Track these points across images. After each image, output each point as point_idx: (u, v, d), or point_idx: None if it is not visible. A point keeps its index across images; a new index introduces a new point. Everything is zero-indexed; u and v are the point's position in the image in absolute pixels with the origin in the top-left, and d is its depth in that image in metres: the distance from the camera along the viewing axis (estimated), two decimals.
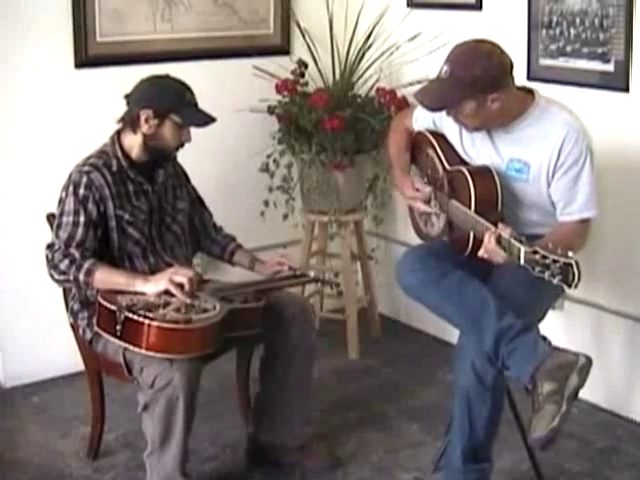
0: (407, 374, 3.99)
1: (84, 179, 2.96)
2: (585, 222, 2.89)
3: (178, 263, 3.11)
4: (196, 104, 3.05)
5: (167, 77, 3.06)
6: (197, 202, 3.32)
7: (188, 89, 3.03)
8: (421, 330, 4.39)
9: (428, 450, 3.34)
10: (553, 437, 2.61)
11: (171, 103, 2.98)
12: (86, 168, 2.99)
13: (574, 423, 3.37)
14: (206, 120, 3.05)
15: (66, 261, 2.91)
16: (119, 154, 3.03)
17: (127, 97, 3.04)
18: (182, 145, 3.07)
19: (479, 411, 2.84)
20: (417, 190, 3.12)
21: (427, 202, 3.10)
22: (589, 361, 2.65)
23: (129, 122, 3.02)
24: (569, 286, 2.45)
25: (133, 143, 3.03)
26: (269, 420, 3.23)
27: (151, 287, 2.88)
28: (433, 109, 2.97)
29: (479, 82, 2.75)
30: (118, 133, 3.07)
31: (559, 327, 3.50)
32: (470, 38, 2.87)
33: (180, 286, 2.85)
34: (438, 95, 2.84)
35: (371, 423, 3.59)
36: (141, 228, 3.05)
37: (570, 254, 2.45)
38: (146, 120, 2.98)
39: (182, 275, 2.88)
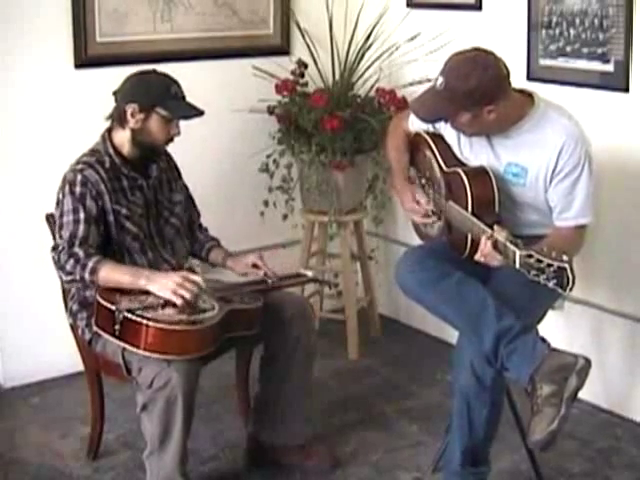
0: (407, 374, 3.99)
1: (79, 177, 2.96)
2: (581, 228, 2.89)
3: (177, 257, 3.11)
4: (183, 97, 3.04)
5: (153, 72, 3.06)
6: (187, 200, 3.31)
7: (175, 82, 3.03)
8: (421, 330, 4.39)
9: (428, 450, 3.34)
10: (552, 439, 2.61)
11: (156, 96, 2.98)
12: (79, 166, 2.99)
13: (574, 423, 3.36)
14: (193, 113, 3.04)
15: (71, 261, 2.91)
16: (111, 151, 3.03)
17: (115, 94, 3.05)
18: (171, 139, 3.06)
19: (478, 411, 2.84)
20: (417, 203, 3.11)
21: (425, 216, 3.10)
22: (588, 363, 2.65)
23: (117, 118, 3.03)
24: (564, 290, 2.45)
25: (123, 139, 3.03)
26: (269, 420, 3.23)
27: (155, 288, 2.86)
28: (428, 121, 2.98)
29: (474, 95, 2.73)
30: (109, 131, 3.07)
31: (559, 327, 3.50)
32: (467, 47, 2.84)
33: (183, 297, 2.84)
34: (433, 107, 2.84)
35: (371, 423, 3.59)
36: (139, 223, 3.05)
37: (565, 258, 2.44)
38: (132, 115, 2.98)
39: (188, 289, 2.85)
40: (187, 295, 2.84)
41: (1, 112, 3.68)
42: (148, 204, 3.09)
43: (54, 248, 2.96)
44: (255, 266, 3.20)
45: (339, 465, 3.30)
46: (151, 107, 2.97)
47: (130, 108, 2.97)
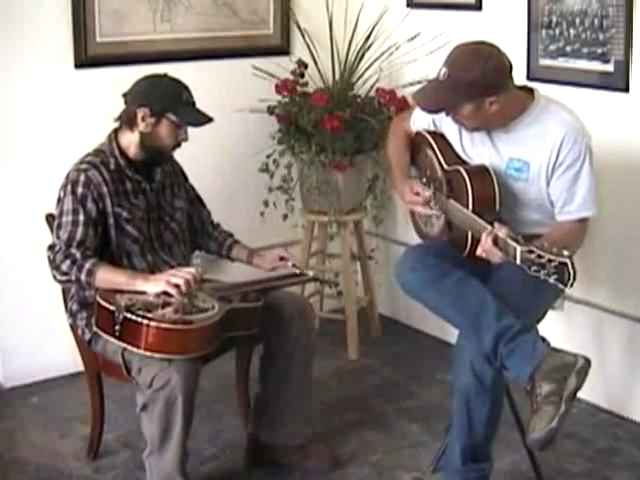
0: (407, 374, 3.99)
1: (82, 177, 2.96)
2: (583, 221, 2.89)
3: (176, 261, 3.11)
4: (193, 103, 3.05)
5: (165, 76, 3.06)
6: (196, 201, 3.32)
7: (186, 88, 3.03)
8: (421, 330, 4.39)
9: (428, 450, 3.34)
10: (552, 438, 2.61)
11: (168, 102, 2.98)
12: (84, 166, 2.99)
13: (574, 423, 3.37)
14: (203, 120, 3.04)
15: (67, 262, 2.91)
16: (116, 153, 3.03)
17: (125, 95, 3.04)
18: (179, 144, 3.07)
19: (478, 411, 2.84)
20: (416, 194, 3.11)
21: (426, 205, 3.09)
22: (588, 362, 2.65)
23: (126, 120, 3.03)
24: (565, 285, 2.45)
25: (130, 142, 3.04)
26: (269, 420, 3.23)
27: (151, 287, 2.87)
28: (431, 111, 2.98)
29: (477, 86, 2.75)
30: (115, 132, 3.07)
31: (559, 327, 3.50)
32: (470, 40, 2.87)
33: (177, 287, 2.86)
34: (436, 98, 2.85)
35: (371, 423, 3.59)
36: (139, 226, 3.05)
37: (565, 253, 2.44)
38: (143, 119, 2.98)
39: (180, 276, 2.87)
40: (180, 282, 2.84)
41: (1, 112, 3.68)
42: (150, 208, 3.09)
43: (50, 247, 2.96)
44: (282, 259, 3.22)
45: (339, 465, 3.30)
46: (162, 112, 2.98)
47: (141, 112, 2.97)
